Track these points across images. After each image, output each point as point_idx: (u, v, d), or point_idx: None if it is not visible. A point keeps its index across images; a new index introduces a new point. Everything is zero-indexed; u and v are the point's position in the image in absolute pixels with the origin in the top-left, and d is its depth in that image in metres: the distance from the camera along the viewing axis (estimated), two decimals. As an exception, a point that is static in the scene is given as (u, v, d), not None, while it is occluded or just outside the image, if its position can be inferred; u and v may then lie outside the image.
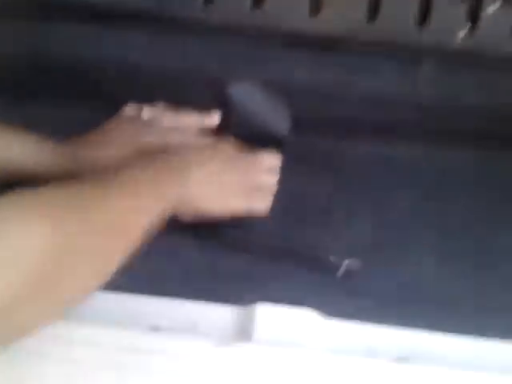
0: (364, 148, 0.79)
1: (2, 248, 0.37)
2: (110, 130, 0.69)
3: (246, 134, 0.74)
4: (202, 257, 0.64)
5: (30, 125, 0.64)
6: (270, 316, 0.53)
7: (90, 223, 0.45)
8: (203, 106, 0.76)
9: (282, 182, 0.73)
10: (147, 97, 0.76)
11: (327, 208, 0.73)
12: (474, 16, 0.76)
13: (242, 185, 0.67)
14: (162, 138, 0.69)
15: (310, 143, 0.79)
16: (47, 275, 0.39)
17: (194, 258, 0.64)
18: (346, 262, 0.65)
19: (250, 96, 0.75)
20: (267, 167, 0.70)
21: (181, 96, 0.78)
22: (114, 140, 0.67)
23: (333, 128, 0.79)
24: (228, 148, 0.70)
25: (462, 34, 0.76)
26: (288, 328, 0.52)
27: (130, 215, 0.50)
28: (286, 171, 0.74)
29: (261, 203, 0.68)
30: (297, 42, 0.80)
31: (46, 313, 0.42)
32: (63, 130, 0.68)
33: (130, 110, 0.72)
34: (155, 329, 0.51)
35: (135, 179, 0.55)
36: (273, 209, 0.70)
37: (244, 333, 0.52)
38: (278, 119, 0.77)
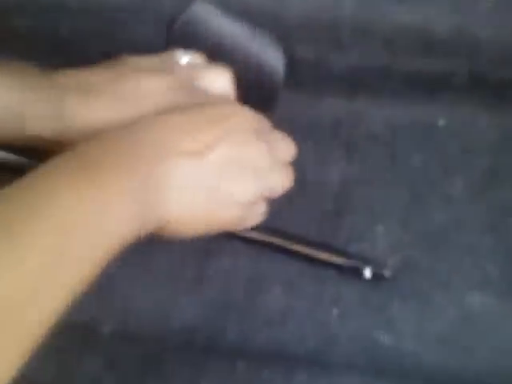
0: (389, 111, 0.55)
1: None
2: (121, 78, 0.40)
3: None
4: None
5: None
6: None
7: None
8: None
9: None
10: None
11: (339, 197, 0.51)
12: None
13: (245, 198, 0.39)
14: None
15: (311, 102, 0.55)
16: None
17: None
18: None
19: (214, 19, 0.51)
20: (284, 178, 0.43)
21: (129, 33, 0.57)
22: (127, 95, 0.39)
23: (344, 82, 0.55)
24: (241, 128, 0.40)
25: None
26: None
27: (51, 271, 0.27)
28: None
29: (255, 219, 0.43)
30: None
31: None
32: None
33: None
34: None
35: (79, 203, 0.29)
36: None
37: None
38: (265, 52, 0.52)
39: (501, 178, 0.52)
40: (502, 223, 0.50)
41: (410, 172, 0.53)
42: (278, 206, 0.51)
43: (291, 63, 0.55)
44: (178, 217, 0.34)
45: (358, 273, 0.46)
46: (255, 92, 0.53)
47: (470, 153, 0.53)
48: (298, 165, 0.53)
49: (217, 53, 0.52)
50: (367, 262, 0.47)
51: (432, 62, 0.53)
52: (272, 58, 0.53)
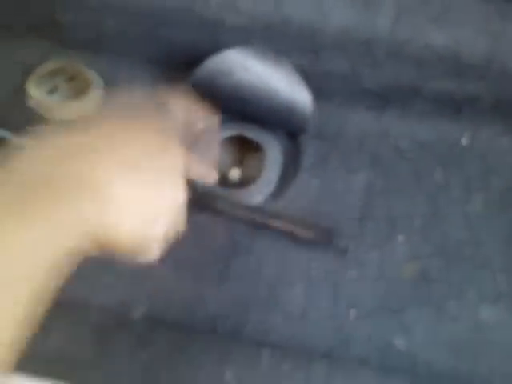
0: (416, 128, 0.57)
1: None
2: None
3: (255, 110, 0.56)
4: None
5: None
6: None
7: None
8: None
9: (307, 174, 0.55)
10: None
11: (363, 206, 0.54)
12: None
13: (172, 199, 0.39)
14: None
15: (341, 114, 0.58)
16: None
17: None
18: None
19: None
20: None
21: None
22: None
23: (374, 97, 0.58)
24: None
25: None
26: None
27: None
28: (310, 158, 0.57)
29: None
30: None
31: None
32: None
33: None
34: None
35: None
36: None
37: None
38: (293, 90, 0.56)
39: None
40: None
41: (432, 188, 0.55)
42: (307, 204, 0.54)
43: (325, 75, 0.58)
44: (119, 215, 0.34)
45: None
46: (286, 123, 0.56)
47: (491, 173, 0.56)
48: (324, 171, 0.56)
49: (244, 93, 0.56)
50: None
51: (460, 84, 0.56)
52: (300, 95, 0.56)
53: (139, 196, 0.36)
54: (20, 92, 0.59)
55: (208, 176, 0.48)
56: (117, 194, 0.34)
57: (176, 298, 0.49)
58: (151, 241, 0.39)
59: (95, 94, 0.59)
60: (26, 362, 0.43)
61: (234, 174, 0.59)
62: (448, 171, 0.56)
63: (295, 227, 0.51)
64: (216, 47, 0.56)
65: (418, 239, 0.52)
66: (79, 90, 0.59)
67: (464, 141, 0.57)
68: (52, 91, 0.59)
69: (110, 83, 0.60)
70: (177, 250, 0.51)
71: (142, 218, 0.37)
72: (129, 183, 0.35)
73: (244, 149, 0.60)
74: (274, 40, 0.57)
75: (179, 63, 0.59)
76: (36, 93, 0.58)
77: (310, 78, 0.55)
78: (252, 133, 0.59)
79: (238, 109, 0.57)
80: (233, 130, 0.59)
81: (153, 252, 0.40)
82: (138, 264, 0.39)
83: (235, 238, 0.52)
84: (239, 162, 0.60)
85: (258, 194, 0.56)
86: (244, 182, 0.58)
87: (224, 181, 0.58)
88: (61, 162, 0.33)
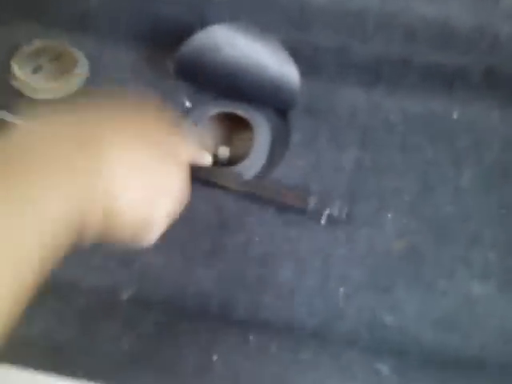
0: (406, 102, 0.57)
1: None
2: None
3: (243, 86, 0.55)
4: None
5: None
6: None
7: None
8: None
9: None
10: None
11: (352, 183, 0.54)
12: None
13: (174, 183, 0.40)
14: None
15: (330, 90, 0.57)
16: None
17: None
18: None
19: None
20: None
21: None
22: None
23: (364, 71, 0.57)
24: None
25: None
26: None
27: None
28: (299, 134, 0.56)
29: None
30: None
31: None
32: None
33: None
34: None
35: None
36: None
37: None
38: (281, 66, 0.54)
39: (509, 173, 0.54)
40: (505, 216, 0.52)
41: (422, 163, 0.55)
42: (296, 181, 0.53)
43: (314, 50, 0.57)
44: (120, 191, 0.34)
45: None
46: (274, 99, 0.55)
47: (481, 147, 0.55)
48: (314, 148, 0.56)
49: (231, 69, 0.55)
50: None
51: (451, 57, 0.55)
52: (288, 71, 0.54)
53: (142, 175, 0.36)
54: (4, 71, 0.58)
55: (203, 158, 0.49)
56: (120, 171, 0.34)
57: (164, 278, 0.49)
58: (152, 222, 0.38)
59: (80, 73, 0.58)
60: (12, 347, 0.44)
61: (223, 152, 0.59)
62: (438, 146, 0.55)
63: (287, 197, 0.51)
64: (202, 23, 0.54)
65: (407, 215, 0.52)
66: (64, 69, 0.58)
67: (455, 115, 0.57)
68: (36, 71, 0.58)
69: (95, 62, 0.59)
70: (166, 230, 0.51)
71: (143, 197, 0.36)
72: (132, 161, 0.36)
73: (232, 126, 0.59)
74: (261, 15, 0.56)
75: (165, 40, 0.58)
76: (20, 72, 0.58)
77: (298, 53, 0.54)
78: (240, 110, 0.58)
79: (226, 86, 0.56)
80: (220, 108, 0.58)
81: (152, 235, 0.39)
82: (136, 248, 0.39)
83: (224, 217, 0.52)
84: (228, 140, 0.60)
85: (247, 172, 0.55)
86: (233, 160, 0.57)
87: (213, 159, 0.58)
88: (65, 137, 0.33)
